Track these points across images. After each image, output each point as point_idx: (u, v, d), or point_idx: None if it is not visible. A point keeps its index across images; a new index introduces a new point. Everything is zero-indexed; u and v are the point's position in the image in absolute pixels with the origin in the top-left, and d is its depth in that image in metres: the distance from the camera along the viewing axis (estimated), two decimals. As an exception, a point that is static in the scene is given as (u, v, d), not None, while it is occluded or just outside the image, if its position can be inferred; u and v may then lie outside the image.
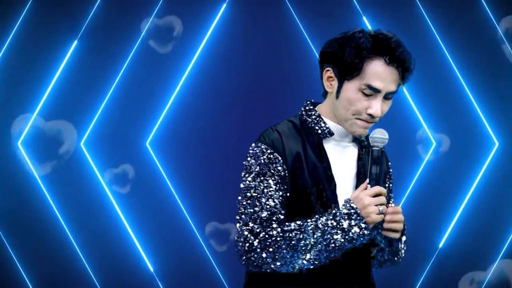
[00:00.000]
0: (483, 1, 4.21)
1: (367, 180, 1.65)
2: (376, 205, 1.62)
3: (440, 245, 4.23)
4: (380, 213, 1.62)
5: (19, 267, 4.18)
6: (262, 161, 1.64)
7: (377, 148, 1.65)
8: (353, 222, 1.58)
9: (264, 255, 1.59)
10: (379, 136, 1.66)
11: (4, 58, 4.13)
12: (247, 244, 1.61)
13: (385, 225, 1.66)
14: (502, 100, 4.23)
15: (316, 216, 1.63)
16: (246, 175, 1.66)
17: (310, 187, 1.66)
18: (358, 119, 1.68)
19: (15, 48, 4.14)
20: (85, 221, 4.16)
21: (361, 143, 1.78)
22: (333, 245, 1.58)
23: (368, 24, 4.17)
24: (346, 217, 1.58)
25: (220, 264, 4.19)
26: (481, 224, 4.22)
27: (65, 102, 4.15)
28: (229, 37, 4.18)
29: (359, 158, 1.77)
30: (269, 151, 1.65)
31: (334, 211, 1.62)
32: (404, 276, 4.21)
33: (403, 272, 4.20)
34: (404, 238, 1.86)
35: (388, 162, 1.93)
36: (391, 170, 1.95)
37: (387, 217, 1.64)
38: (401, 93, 4.21)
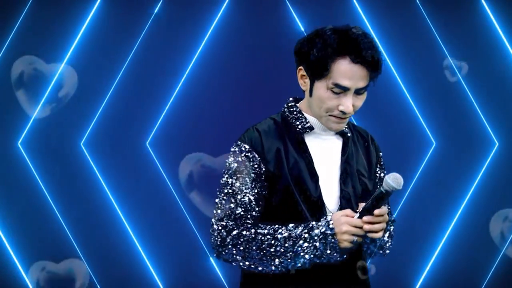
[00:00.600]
0: (483, 1, 4.21)
1: (358, 209, 1.65)
2: (353, 234, 1.60)
3: (440, 245, 4.23)
4: (354, 243, 1.61)
5: (19, 267, 4.18)
6: (240, 159, 1.68)
7: (383, 191, 1.62)
8: (326, 244, 1.59)
9: (234, 251, 1.64)
10: (392, 184, 1.62)
11: (4, 58, 4.14)
12: (220, 239, 1.67)
13: (367, 233, 1.64)
14: (502, 100, 4.23)
15: (292, 225, 1.64)
16: (225, 172, 1.71)
17: (291, 182, 1.68)
18: (331, 115, 1.71)
19: (16, 48, 4.14)
20: (85, 221, 4.16)
21: (345, 134, 1.80)
22: (301, 259, 1.61)
23: (368, 24, 4.17)
24: (321, 237, 1.60)
25: (220, 264, 4.19)
26: (481, 224, 4.22)
27: (65, 103, 4.14)
28: (229, 37, 4.18)
29: (343, 149, 1.79)
30: (247, 150, 1.70)
31: (311, 224, 1.63)
32: (403, 275, 4.22)
33: (404, 268, 4.20)
34: (387, 234, 1.91)
35: (379, 152, 1.93)
36: (382, 160, 1.94)
37: (366, 227, 1.61)
38: (401, 93, 4.23)
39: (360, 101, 1.72)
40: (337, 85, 1.67)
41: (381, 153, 1.93)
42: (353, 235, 1.60)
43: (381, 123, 4.14)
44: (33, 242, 4.16)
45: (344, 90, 1.67)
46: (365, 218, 1.59)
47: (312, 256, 1.60)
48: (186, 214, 4.15)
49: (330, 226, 1.60)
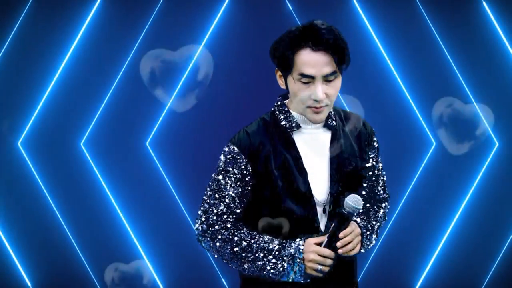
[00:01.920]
0: (483, 1, 4.21)
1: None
2: (318, 263, 1.68)
3: (440, 245, 4.23)
4: (317, 271, 1.69)
5: (19, 266, 4.18)
6: (227, 159, 1.78)
7: (345, 212, 1.66)
8: (293, 267, 1.69)
9: (211, 244, 1.78)
10: (352, 205, 1.66)
11: (4, 58, 4.13)
12: (201, 230, 1.79)
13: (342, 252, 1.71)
14: (502, 101, 4.23)
15: (268, 237, 1.73)
16: (215, 170, 1.82)
17: (280, 179, 1.74)
18: (308, 107, 1.74)
19: (16, 49, 4.14)
20: (85, 221, 4.16)
21: (332, 127, 1.82)
22: (267, 273, 1.71)
23: (368, 25, 4.17)
24: (290, 258, 1.70)
25: (220, 264, 4.19)
26: (481, 224, 4.22)
27: (65, 103, 4.15)
28: (229, 37, 4.18)
29: (331, 142, 1.81)
30: (235, 151, 1.78)
31: (284, 244, 1.71)
32: (403, 275, 4.22)
33: (404, 268, 4.20)
34: (367, 233, 1.85)
35: (372, 135, 1.92)
36: (375, 142, 1.93)
37: (340, 251, 1.69)
38: (401, 93, 4.23)
39: (332, 88, 1.72)
40: (302, 75, 1.70)
41: (375, 137, 1.93)
42: (319, 264, 1.67)
43: (381, 123, 4.14)
44: (31, 241, 4.17)
45: (311, 78, 1.70)
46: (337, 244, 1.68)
47: (276, 273, 1.70)
48: (186, 213, 4.15)
49: (300, 250, 1.69)
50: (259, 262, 1.70)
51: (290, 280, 1.70)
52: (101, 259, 4.18)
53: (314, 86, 1.70)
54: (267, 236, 1.74)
